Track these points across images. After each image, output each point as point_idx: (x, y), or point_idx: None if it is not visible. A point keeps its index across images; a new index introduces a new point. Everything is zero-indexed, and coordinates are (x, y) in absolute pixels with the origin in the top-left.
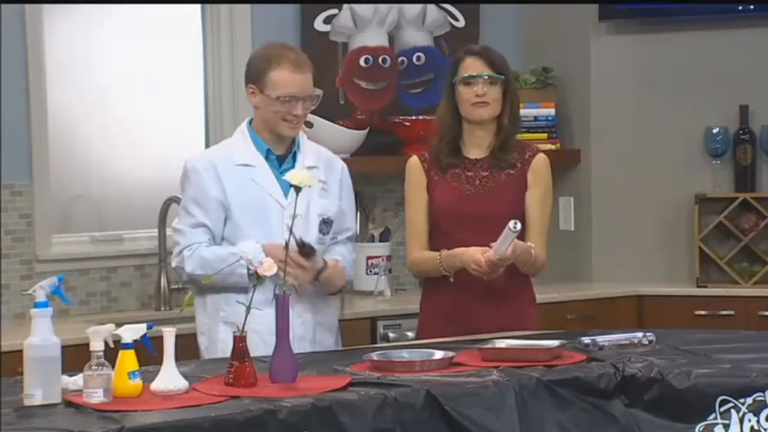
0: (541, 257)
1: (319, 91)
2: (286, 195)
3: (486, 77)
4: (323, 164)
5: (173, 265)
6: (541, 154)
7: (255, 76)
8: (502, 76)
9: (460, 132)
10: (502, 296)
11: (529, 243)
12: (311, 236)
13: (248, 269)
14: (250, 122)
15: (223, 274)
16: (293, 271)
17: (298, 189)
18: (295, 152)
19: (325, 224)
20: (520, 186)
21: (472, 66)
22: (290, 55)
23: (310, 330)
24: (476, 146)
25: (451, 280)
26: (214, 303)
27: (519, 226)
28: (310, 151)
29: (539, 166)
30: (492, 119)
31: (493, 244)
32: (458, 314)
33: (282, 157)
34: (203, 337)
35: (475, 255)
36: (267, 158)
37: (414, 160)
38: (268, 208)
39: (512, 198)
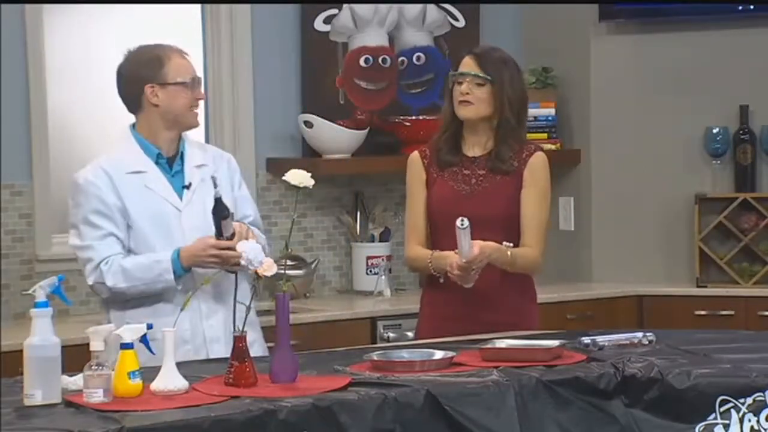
0: (533, 255)
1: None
2: (180, 197)
3: (472, 75)
4: (211, 160)
5: (90, 282)
6: (540, 153)
7: (149, 76)
8: (488, 78)
9: (461, 129)
10: (501, 295)
11: (504, 243)
12: (212, 233)
13: (175, 273)
14: (133, 128)
15: (150, 282)
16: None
17: (297, 189)
18: (182, 153)
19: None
20: (516, 186)
21: (465, 64)
22: (171, 47)
23: (222, 331)
24: (475, 144)
25: (441, 281)
26: (135, 319)
27: (466, 222)
28: (196, 150)
29: (536, 165)
30: (483, 120)
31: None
32: (458, 314)
33: (170, 159)
34: None
35: (453, 259)
36: (157, 162)
37: (415, 156)
38: (165, 214)
39: (507, 198)
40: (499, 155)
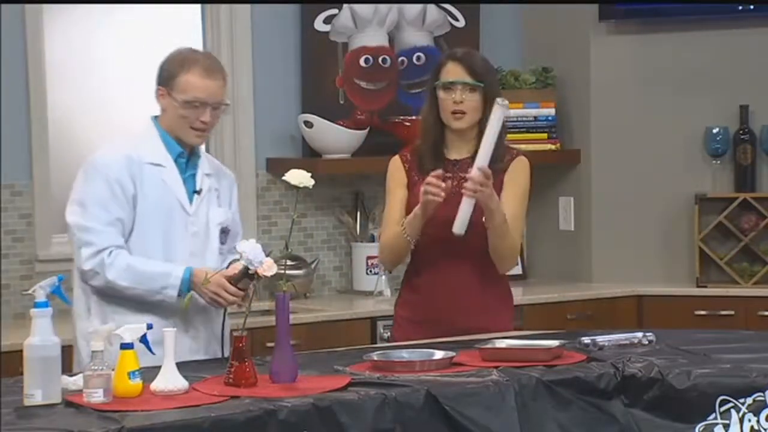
0: (515, 239)
1: (228, 101)
2: (190, 201)
3: (465, 84)
4: (215, 172)
5: (86, 267)
6: (521, 158)
7: (165, 78)
8: (482, 84)
9: (443, 135)
10: (479, 301)
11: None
12: (212, 245)
13: (179, 292)
14: (155, 119)
15: (150, 291)
16: (227, 298)
17: (297, 189)
18: (197, 157)
19: (224, 233)
20: (497, 189)
21: (452, 72)
22: (203, 60)
23: (203, 342)
24: (458, 148)
25: (412, 247)
26: (100, 309)
27: (506, 102)
28: (204, 158)
29: (516, 169)
30: (472, 126)
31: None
32: (432, 318)
33: (188, 160)
34: (84, 342)
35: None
36: (176, 161)
37: (396, 160)
38: (173, 212)
39: None
40: (494, 155)
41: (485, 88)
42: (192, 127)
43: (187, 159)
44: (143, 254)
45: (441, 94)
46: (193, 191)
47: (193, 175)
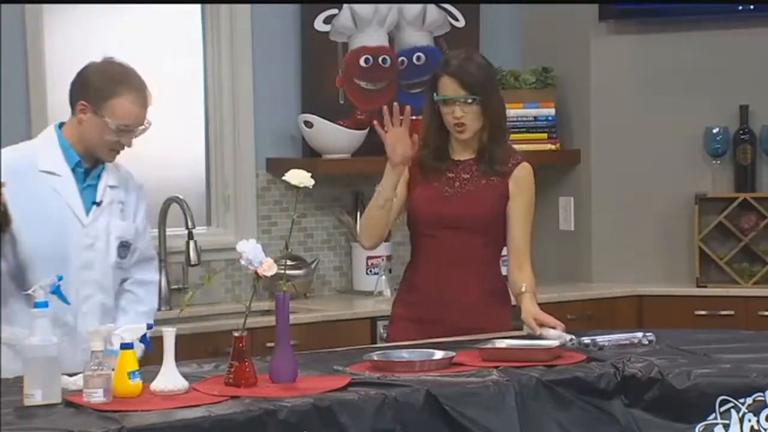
0: (533, 274)
1: (149, 121)
2: (87, 213)
3: (461, 101)
4: (122, 183)
5: None
6: (525, 164)
7: (94, 95)
8: (477, 97)
9: (447, 138)
10: (478, 303)
11: (523, 287)
12: (109, 259)
13: None
14: (59, 127)
15: None
16: None
17: (297, 189)
18: (100, 169)
19: (124, 247)
20: (499, 191)
21: (448, 87)
22: (136, 82)
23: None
24: (463, 149)
25: (380, 202)
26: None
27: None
28: (112, 169)
29: (522, 177)
30: (474, 134)
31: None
32: (430, 317)
33: (87, 171)
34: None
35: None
36: (74, 170)
37: None
38: (65, 223)
39: (490, 200)
40: (495, 158)
41: (481, 99)
42: (109, 148)
43: (85, 169)
44: (32, 263)
45: (441, 107)
46: (92, 202)
47: (94, 186)
